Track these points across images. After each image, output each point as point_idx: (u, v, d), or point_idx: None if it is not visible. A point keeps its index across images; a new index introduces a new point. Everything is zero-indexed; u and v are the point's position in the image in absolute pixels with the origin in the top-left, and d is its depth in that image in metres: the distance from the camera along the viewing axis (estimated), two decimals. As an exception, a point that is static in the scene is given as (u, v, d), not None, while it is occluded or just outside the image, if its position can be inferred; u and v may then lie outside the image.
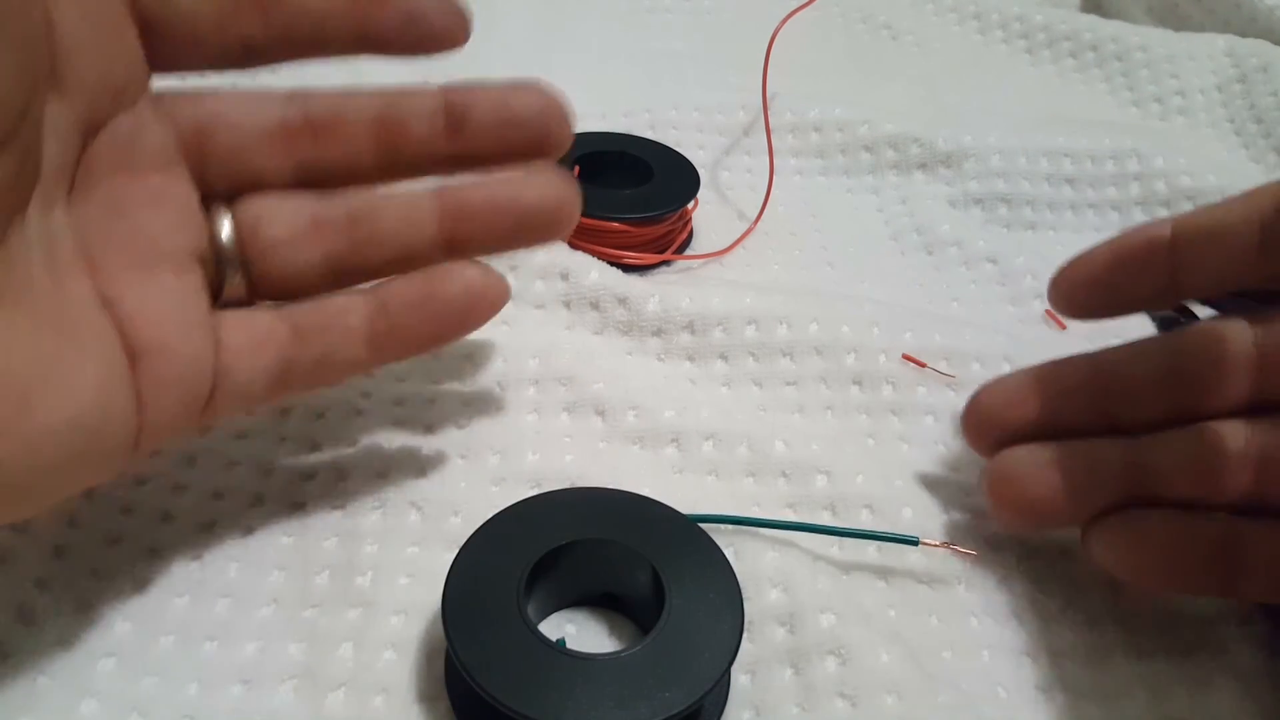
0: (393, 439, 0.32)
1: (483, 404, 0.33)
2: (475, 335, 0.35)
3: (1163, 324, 0.29)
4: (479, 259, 0.28)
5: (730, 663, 0.23)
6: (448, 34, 0.27)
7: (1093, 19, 0.57)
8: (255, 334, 0.25)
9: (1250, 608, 0.28)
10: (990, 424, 0.29)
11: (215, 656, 0.25)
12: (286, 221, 0.26)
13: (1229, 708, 0.26)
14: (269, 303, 0.26)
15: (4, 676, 0.24)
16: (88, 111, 0.22)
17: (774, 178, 0.43)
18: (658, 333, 0.36)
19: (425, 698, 0.25)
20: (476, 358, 0.34)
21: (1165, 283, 0.27)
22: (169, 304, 0.23)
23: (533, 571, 0.25)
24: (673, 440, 0.32)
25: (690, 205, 0.41)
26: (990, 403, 0.29)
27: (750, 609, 0.26)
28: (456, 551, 0.25)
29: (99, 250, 0.22)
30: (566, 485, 0.29)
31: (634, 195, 0.40)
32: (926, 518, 0.30)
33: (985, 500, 0.29)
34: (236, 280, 0.25)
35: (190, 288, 0.24)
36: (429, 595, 0.26)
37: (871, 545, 0.29)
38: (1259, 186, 0.26)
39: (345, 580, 0.27)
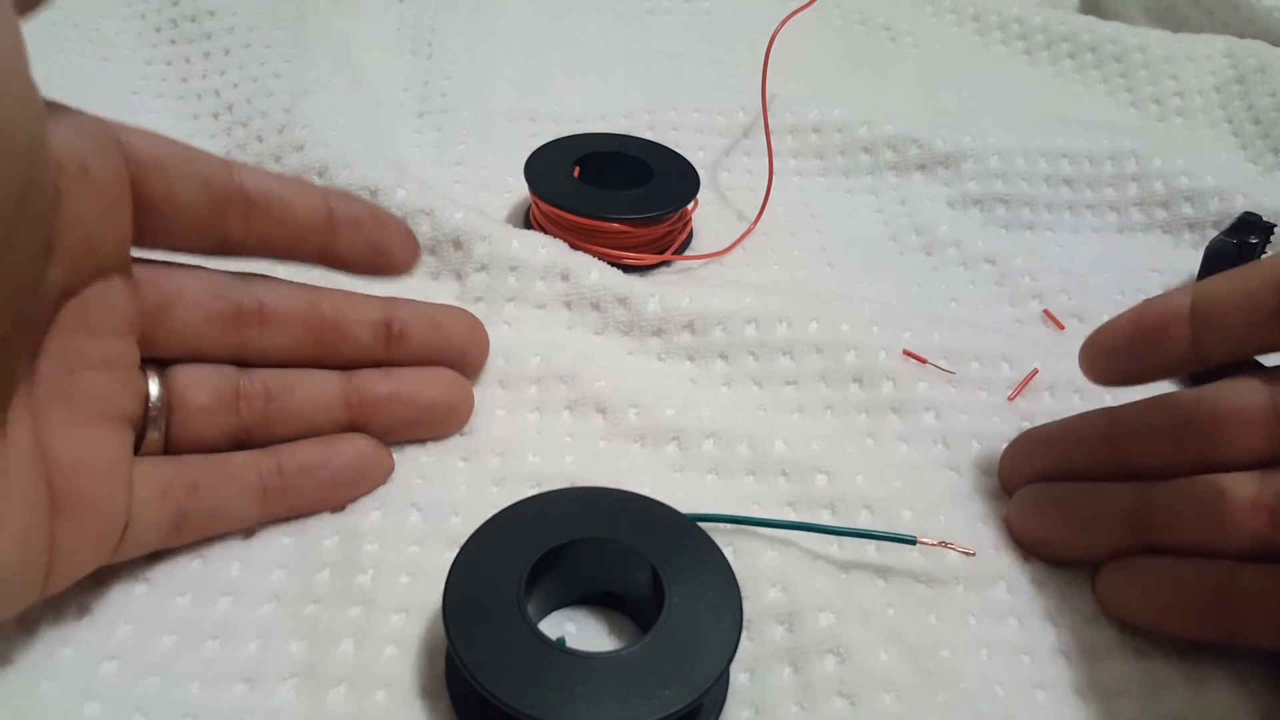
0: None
1: (484, 404, 0.33)
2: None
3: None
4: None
5: (729, 661, 0.23)
6: (404, 265, 0.31)
7: (1091, 20, 0.57)
8: (159, 487, 0.26)
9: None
10: (1017, 472, 0.31)
11: (217, 655, 0.26)
12: (211, 392, 0.28)
13: (1227, 707, 0.26)
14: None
15: (6, 683, 0.24)
16: (72, 278, 0.24)
17: (773, 178, 0.43)
18: (658, 332, 0.36)
19: (426, 694, 0.25)
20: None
21: (1186, 351, 0.27)
22: (99, 460, 0.24)
23: (533, 570, 0.25)
24: (673, 439, 0.32)
25: (690, 206, 0.41)
26: (1017, 452, 0.32)
27: (749, 608, 0.26)
28: (457, 551, 0.25)
29: (46, 402, 0.24)
30: (567, 485, 0.29)
31: (634, 196, 0.40)
32: (925, 517, 0.30)
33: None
34: (155, 437, 0.27)
35: (120, 445, 0.25)
36: (430, 594, 0.27)
37: (870, 544, 0.29)
38: (1275, 254, 0.27)
39: (346, 579, 0.27)
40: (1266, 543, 0.26)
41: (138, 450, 0.26)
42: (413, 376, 0.31)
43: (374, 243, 0.30)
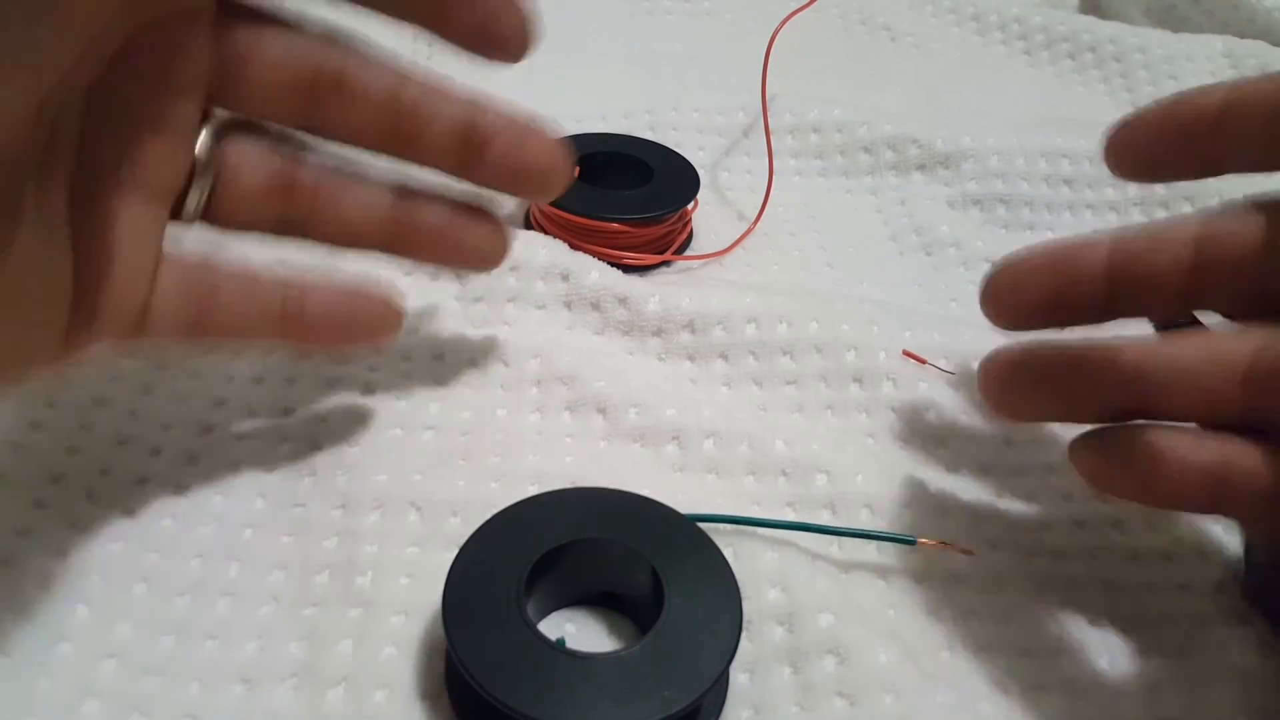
0: (394, 439, 0.32)
1: (484, 404, 0.33)
2: (477, 336, 0.35)
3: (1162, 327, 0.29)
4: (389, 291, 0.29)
5: (729, 662, 0.23)
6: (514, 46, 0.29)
7: (1091, 20, 0.57)
8: (183, 281, 0.25)
9: (1247, 608, 0.28)
10: (1003, 304, 0.29)
11: (216, 655, 0.26)
12: (264, 179, 0.26)
13: (1227, 707, 0.26)
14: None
15: (5, 678, 0.24)
16: (147, 8, 0.22)
17: (773, 178, 0.43)
18: (658, 332, 0.36)
19: (426, 695, 0.25)
20: (478, 358, 0.35)
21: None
22: (129, 233, 0.23)
23: (532, 571, 0.25)
24: (673, 438, 0.32)
25: (690, 206, 0.41)
26: (1005, 281, 0.28)
27: (749, 608, 0.26)
28: (456, 551, 0.25)
29: (89, 162, 0.23)
30: (567, 485, 0.29)
31: (634, 196, 0.40)
32: (926, 517, 0.30)
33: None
34: (195, 203, 0.26)
35: (153, 220, 0.24)
36: (429, 595, 0.27)
37: (870, 544, 0.29)
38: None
39: (345, 580, 0.27)
40: (1255, 415, 0.24)
41: (177, 215, 0.25)
42: (459, 214, 0.29)
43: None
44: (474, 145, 0.28)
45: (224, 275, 0.26)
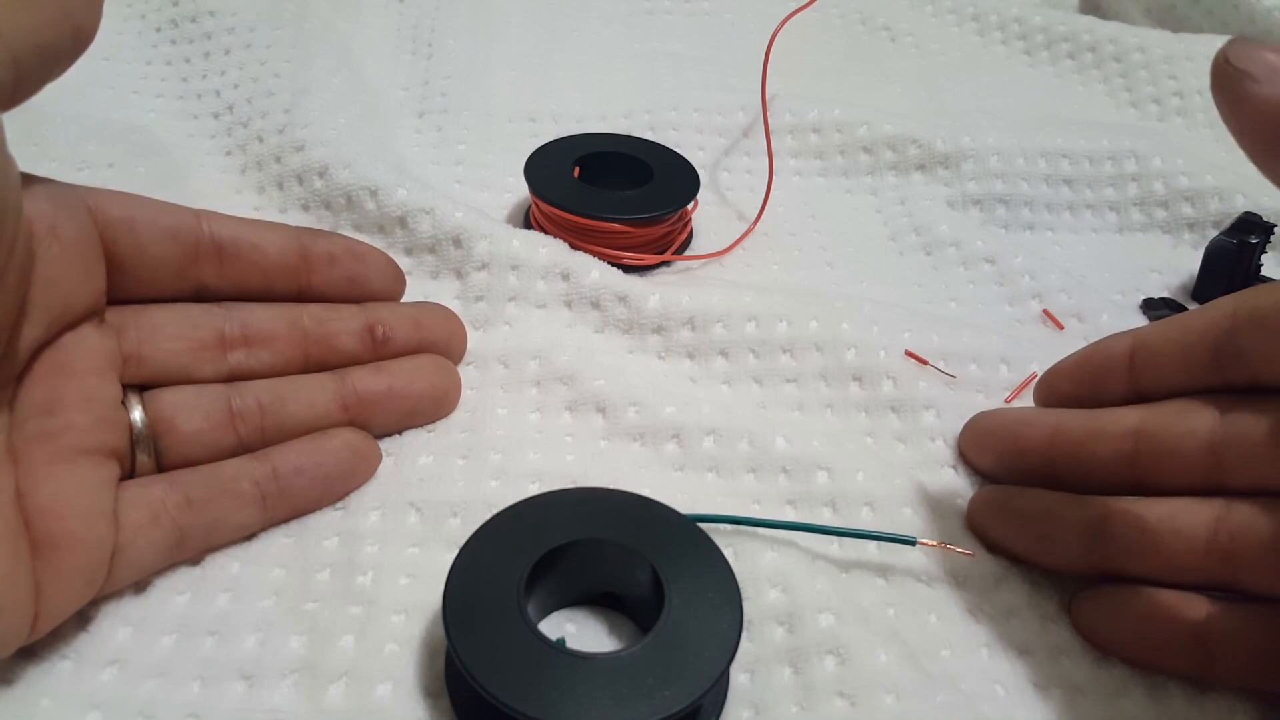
0: (393, 440, 0.32)
1: (484, 403, 0.33)
2: (477, 336, 0.35)
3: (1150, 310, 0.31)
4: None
5: (729, 662, 0.23)
6: (383, 295, 0.32)
7: (1091, 20, 0.58)
8: (151, 509, 0.26)
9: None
10: (969, 457, 0.33)
11: (216, 652, 0.26)
12: (201, 415, 0.28)
13: (1226, 707, 0.26)
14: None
15: (8, 696, 0.24)
16: (45, 334, 0.24)
17: (773, 178, 0.43)
18: (658, 330, 0.36)
19: (427, 695, 0.25)
20: (478, 359, 0.35)
21: (1127, 394, 0.28)
22: (80, 497, 0.24)
23: (533, 571, 0.25)
24: (673, 436, 0.32)
25: (690, 206, 0.41)
26: (965, 443, 0.33)
27: (749, 608, 0.26)
28: (457, 551, 0.25)
29: (25, 444, 0.24)
30: (567, 484, 0.29)
31: (634, 196, 0.40)
32: (926, 516, 0.30)
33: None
34: (146, 460, 0.27)
35: (103, 480, 0.25)
36: (429, 595, 0.27)
37: (870, 544, 0.29)
38: (1215, 301, 0.27)
39: (346, 579, 0.27)
40: (1223, 582, 0.26)
41: (131, 475, 0.27)
42: (403, 369, 0.31)
43: (351, 276, 0.31)
44: (380, 340, 0.31)
45: (190, 480, 0.27)
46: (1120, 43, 0.55)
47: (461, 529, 0.28)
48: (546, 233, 0.38)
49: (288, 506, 0.29)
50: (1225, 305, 0.26)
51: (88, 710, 0.24)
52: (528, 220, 0.42)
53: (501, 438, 0.32)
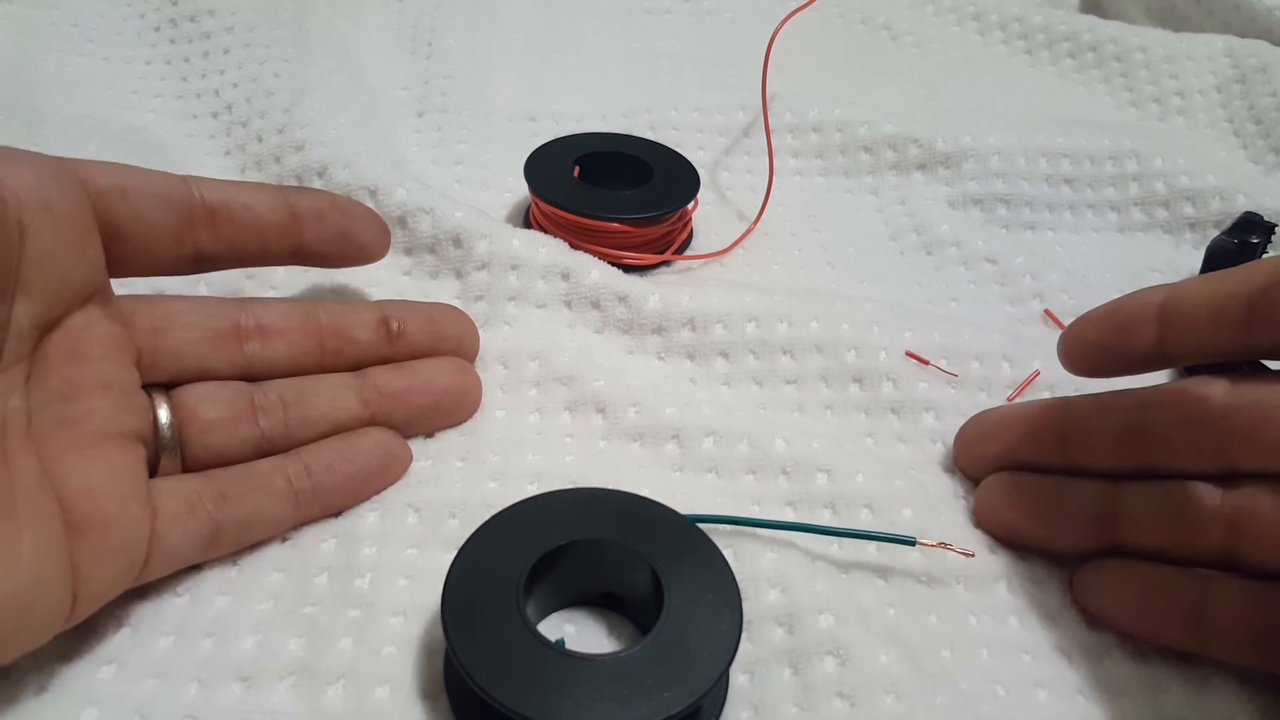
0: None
1: (484, 404, 0.33)
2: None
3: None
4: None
5: (729, 663, 0.23)
6: (374, 249, 0.32)
7: (1092, 20, 0.57)
8: (186, 501, 0.26)
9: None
10: (970, 455, 0.32)
11: (214, 654, 0.25)
12: (224, 405, 0.28)
13: (1227, 707, 0.26)
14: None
15: (4, 693, 0.24)
16: (47, 311, 0.24)
17: (774, 178, 0.43)
18: (658, 330, 0.36)
19: (425, 696, 0.25)
20: (478, 360, 0.34)
21: (1152, 350, 0.27)
22: (110, 479, 0.24)
23: (532, 572, 0.25)
24: (673, 437, 0.32)
25: (690, 206, 0.41)
26: (970, 435, 0.32)
27: (749, 609, 0.26)
28: (455, 552, 0.25)
29: (48, 430, 0.24)
30: (566, 485, 0.29)
31: (634, 195, 0.40)
32: (926, 517, 0.30)
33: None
34: (172, 459, 0.27)
35: (131, 463, 0.25)
36: (428, 596, 0.26)
37: (870, 545, 0.29)
38: (1253, 262, 0.27)
39: (344, 581, 0.27)
40: (1229, 554, 0.26)
41: (154, 475, 0.26)
42: (423, 368, 0.31)
43: (341, 231, 0.30)
44: (396, 334, 0.31)
45: (225, 476, 0.27)
46: (1121, 42, 0.55)
47: (460, 530, 0.28)
48: (546, 232, 0.38)
49: (320, 504, 0.29)
50: (1266, 264, 0.26)
51: (84, 707, 0.24)
52: (528, 220, 0.41)
53: (500, 438, 0.32)
